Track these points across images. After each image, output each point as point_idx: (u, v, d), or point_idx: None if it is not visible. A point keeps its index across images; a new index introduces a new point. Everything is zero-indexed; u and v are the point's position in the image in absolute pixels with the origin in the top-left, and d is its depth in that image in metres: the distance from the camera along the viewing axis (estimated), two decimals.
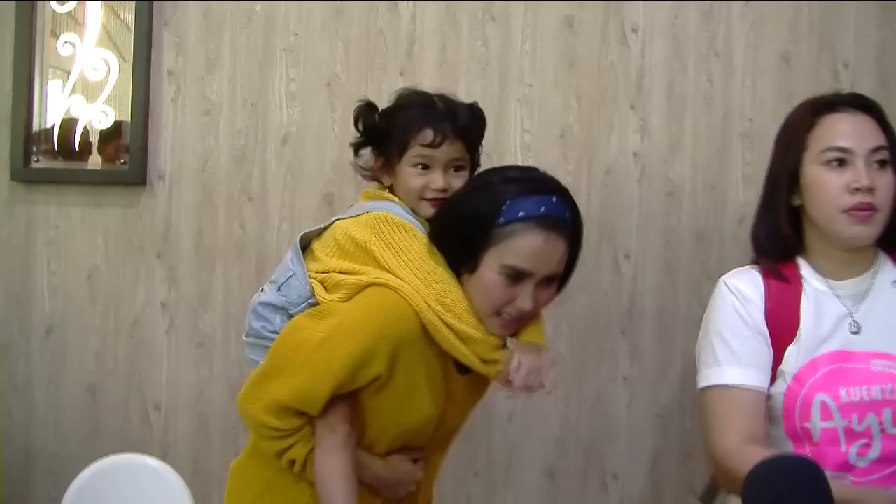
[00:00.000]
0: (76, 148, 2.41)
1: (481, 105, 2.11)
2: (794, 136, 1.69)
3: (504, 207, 1.59)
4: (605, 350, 2.40)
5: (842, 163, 1.61)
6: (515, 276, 1.59)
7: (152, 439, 2.42)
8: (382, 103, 2.37)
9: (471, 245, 1.61)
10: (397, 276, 1.61)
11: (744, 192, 2.40)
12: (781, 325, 1.66)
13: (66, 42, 2.39)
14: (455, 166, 1.73)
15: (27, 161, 2.41)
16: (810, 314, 1.64)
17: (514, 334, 1.68)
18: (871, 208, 1.59)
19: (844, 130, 1.64)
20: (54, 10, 2.38)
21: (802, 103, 1.75)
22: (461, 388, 1.72)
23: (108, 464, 2.09)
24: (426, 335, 1.61)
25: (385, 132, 1.77)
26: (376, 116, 1.79)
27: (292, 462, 1.63)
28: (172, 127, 2.45)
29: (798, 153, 1.66)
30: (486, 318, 1.62)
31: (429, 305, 1.59)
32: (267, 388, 1.60)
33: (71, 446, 2.42)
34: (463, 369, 1.69)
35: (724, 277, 1.74)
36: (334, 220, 1.73)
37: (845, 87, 2.10)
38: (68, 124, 2.40)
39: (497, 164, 2.42)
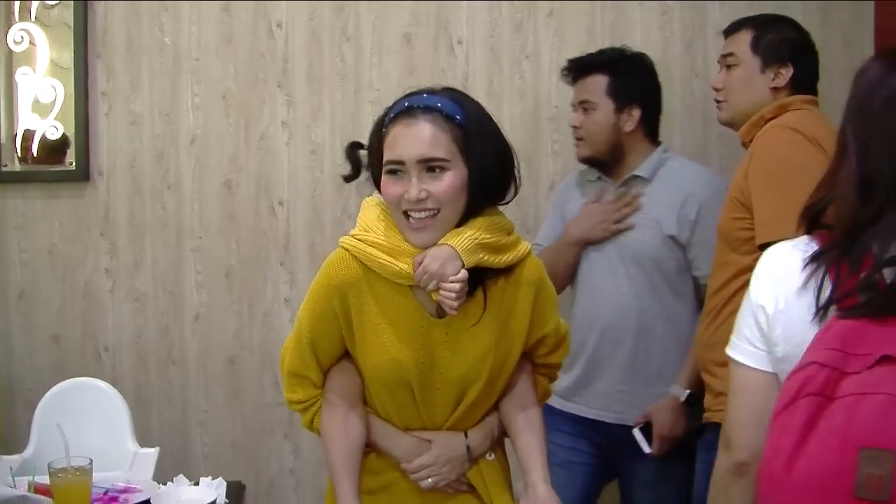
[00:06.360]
0: (35, 154, 2.87)
1: (340, 109, 2.62)
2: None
3: (384, 120, 1.64)
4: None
5: None
6: (393, 170, 1.59)
7: (104, 374, 2.86)
8: (265, 110, 3.01)
9: (376, 171, 1.67)
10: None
11: (553, 164, 2.97)
12: None
13: (23, 74, 2.85)
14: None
15: None
16: None
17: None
18: None
19: None
20: (12, 50, 2.85)
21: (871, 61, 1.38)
22: (441, 332, 1.69)
23: (68, 385, 2.47)
24: (373, 273, 1.64)
25: None
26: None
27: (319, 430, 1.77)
28: (107, 135, 2.91)
29: None
30: (403, 229, 1.62)
31: (355, 237, 1.65)
32: (283, 370, 1.79)
33: (42, 381, 2.73)
34: (440, 313, 1.68)
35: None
36: None
37: None
38: (28, 136, 2.86)
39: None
